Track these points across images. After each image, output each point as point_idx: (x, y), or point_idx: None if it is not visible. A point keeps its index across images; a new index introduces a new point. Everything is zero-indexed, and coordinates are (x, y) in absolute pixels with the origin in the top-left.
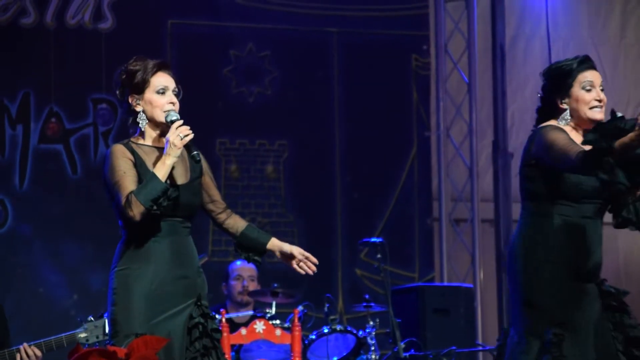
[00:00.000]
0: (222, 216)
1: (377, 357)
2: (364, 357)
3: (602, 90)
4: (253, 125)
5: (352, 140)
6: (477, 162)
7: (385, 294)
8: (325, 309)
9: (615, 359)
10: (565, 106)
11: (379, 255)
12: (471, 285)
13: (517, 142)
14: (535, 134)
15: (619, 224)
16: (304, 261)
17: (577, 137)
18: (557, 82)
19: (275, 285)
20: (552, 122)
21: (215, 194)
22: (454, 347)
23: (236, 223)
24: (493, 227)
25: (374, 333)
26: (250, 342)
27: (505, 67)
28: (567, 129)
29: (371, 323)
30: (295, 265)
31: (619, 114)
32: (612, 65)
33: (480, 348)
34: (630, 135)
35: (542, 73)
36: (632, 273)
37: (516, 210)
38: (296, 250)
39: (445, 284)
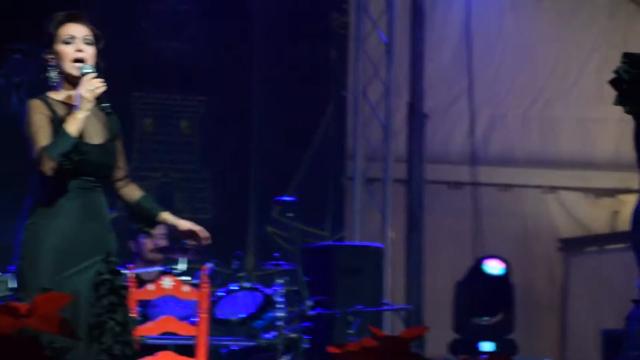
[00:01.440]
0: (121, 183)
1: (285, 314)
2: (271, 314)
3: None
4: (171, 80)
5: (269, 98)
6: (393, 123)
7: (295, 252)
8: (234, 266)
9: None
10: None
11: (290, 214)
12: (382, 245)
13: (432, 103)
14: None
15: None
16: (197, 237)
17: None
18: None
19: (185, 241)
20: None
21: (121, 160)
22: (360, 306)
23: (133, 192)
24: (405, 187)
25: (282, 291)
26: (158, 298)
27: (424, 29)
28: None
29: (280, 281)
30: (189, 240)
31: None
32: (529, 28)
33: (387, 307)
34: None
35: None
36: (539, 236)
37: (430, 171)
38: (191, 226)
39: (356, 243)
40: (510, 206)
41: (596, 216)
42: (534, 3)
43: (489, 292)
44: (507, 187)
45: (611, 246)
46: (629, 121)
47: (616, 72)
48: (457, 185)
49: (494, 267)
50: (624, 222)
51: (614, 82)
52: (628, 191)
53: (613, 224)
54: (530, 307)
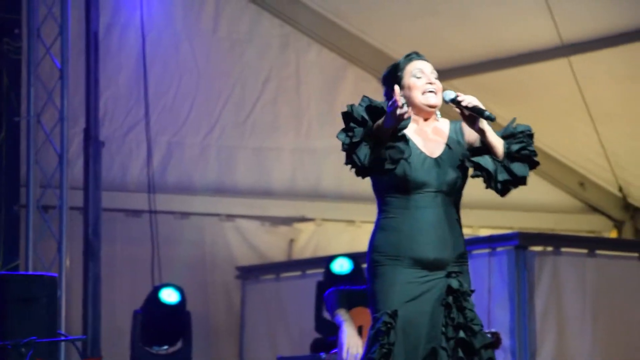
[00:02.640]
0: None
1: None
2: None
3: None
4: None
5: None
6: (68, 150)
7: None
8: None
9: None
10: None
11: None
12: (56, 275)
13: (109, 130)
14: None
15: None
16: None
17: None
18: (390, 80)
19: None
20: None
21: None
22: (34, 337)
23: None
24: (82, 215)
25: None
26: None
27: (99, 55)
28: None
29: None
30: None
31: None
32: (204, 57)
33: (63, 338)
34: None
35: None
36: (217, 264)
37: (107, 198)
38: None
39: (29, 272)
40: (188, 234)
41: (273, 244)
42: (208, 33)
43: (165, 321)
44: (185, 215)
45: (287, 274)
46: (303, 151)
47: (350, 107)
48: (135, 213)
49: (169, 295)
50: (300, 250)
51: (345, 115)
52: (303, 219)
53: (289, 252)
54: (209, 335)
